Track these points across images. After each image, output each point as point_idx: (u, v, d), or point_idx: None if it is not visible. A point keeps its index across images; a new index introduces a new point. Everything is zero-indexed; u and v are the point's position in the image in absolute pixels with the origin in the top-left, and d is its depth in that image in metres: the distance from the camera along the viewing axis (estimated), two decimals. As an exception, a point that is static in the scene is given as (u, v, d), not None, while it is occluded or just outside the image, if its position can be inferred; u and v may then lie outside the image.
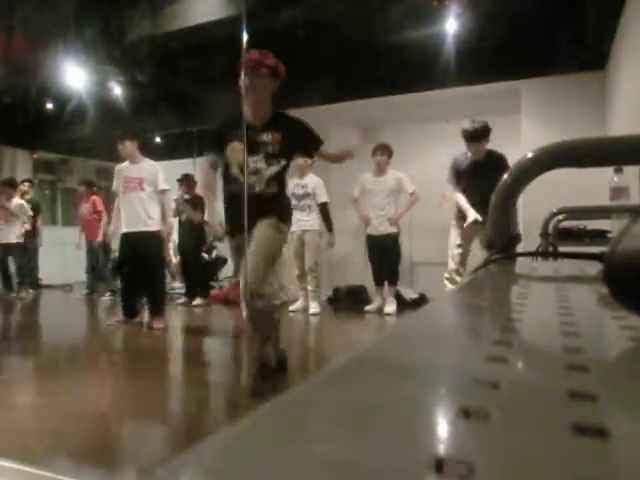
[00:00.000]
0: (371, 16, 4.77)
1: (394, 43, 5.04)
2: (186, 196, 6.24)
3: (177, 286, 7.02)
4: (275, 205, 2.64)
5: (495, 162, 3.68)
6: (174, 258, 6.86)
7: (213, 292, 6.47)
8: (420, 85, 5.40)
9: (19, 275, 6.94)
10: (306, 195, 5.31)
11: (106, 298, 6.87)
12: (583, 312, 0.40)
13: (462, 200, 3.98)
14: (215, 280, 6.93)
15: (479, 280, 0.64)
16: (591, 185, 3.11)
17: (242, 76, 2.59)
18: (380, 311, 5.27)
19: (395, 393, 0.19)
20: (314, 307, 5.32)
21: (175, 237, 6.26)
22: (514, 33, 4.74)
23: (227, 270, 6.55)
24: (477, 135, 3.79)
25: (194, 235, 6.30)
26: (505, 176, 0.81)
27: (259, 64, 2.57)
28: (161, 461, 0.15)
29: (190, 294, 6.28)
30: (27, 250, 7.09)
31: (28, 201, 7.04)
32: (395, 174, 5.24)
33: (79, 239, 7.26)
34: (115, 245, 5.15)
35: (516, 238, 0.83)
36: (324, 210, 5.36)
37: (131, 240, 4.42)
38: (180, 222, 6.22)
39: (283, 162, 2.63)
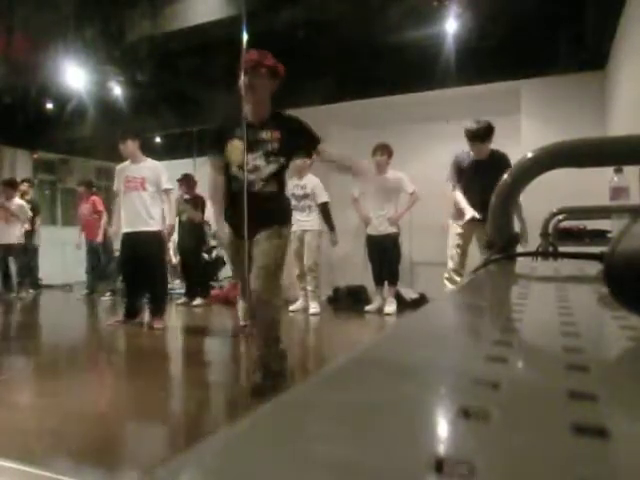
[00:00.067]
0: (371, 16, 4.77)
1: (394, 43, 5.05)
2: (186, 196, 6.24)
3: (177, 286, 7.03)
4: (275, 205, 2.65)
5: (497, 161, 3.67)
6: (174, 258, 6.86)
7: (213, 292, 6.47)
8: (420, 85, 5.41)
9: (19, 275, 6.94)
10: (305, 196, 5.31)
11: (106, 298, 6.88)
12: (583, 312, 0.40)
13: (460, 198, 3.98)
14: (215, 280, 6.93)
15: (479, 280, 0.64)
16: (591, 185, 3.11)
17: (241, 76, 2.59)
18: (380, 311, 5.27)
19: (395, 393, 0.19)
20: (314, 307, 5.32)
21: (175, 237, 6.26)
22: (514, 33, 4.74)
23: (227, 270, 6.55)
24: (480, 135, 3.78)
25: (194, 235, 6.30)
26: (505, 176, 0.81)
27: (258, 64, 2.58)
28: (161, 461, 0.15)
29: (190, 294, 6.28)
30: (27, 250, 7.09)
31: (28, 201, 7.04)
32: (395, 174, 5.24)
33: (79, 239, 7.26)
34: (117, 245, 5.15)
35: (516, 238, 0.83)
36: (325, 210, 5.37)
37: (132, 240, 4.42)
38: (180, 222, 6.22)
39: (282, 160, 2.64)
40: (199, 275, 6.36)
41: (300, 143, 2.71)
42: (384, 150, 5.18)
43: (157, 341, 4.31)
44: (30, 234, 7.13)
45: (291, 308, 5.38)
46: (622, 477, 0.13)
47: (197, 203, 6.21)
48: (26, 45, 5.27)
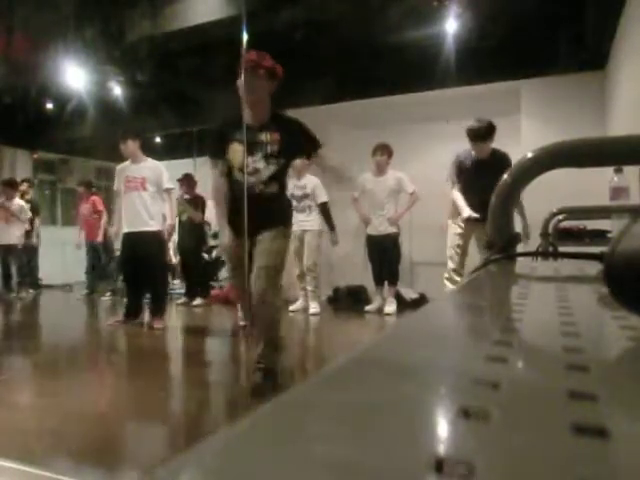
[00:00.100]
0: (371, 16, 4.77)
1: (394, 43, 5.05)
2: (186, 196, 6.24)
3: (177, 286, 7.03)
4: (276, 206, 2.65)
5: (498, 161, 3.67)
6: (174, 258, 6.86)
7: (213, 292, 6.47)
8: (420, 85, 5.41)
9: (19, 275, 6.94)
10: (305, 196, 5.31)
11: (106, 298, 6.88)
12: (583, 312, 0.40)
13: (457, 196, 3.99)
14: (215, 280, 6.93)
15: (479, 280, 0.64)
16: (591, 185, 3.11)
17: (240, 77, 2.59)
18: (380, 311, 5.27)
19: (395, 393, 0.19)
20: (314, 307, 5.33)
21: (175, 237, 6.26)
22: (514, 33, 4.74)
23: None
24: (482, 134, 3.78)
25: (194, 235, 6.30)
26: (505, 176, 0.81)
27: (257, 65, 2.57)
28: (161, 461, 0.15)
29: (190, 294, 6.28)
30: (27, 250, 7.09)
31: (27, 201, 7.04)
32: (395, 174, 5.24)
33: (79, 238, 7.26)
34: (117, 245, 5.15)
35: (516, 238, 0.83)
36: (325, 210, 5.37)
37: (132, 240, 4.42)
38: (180, 222, 6.22)
39: (282, 162, 2.64)
40: (199, 275, 6.36)
41: (300, 145, 2.71)
42: (384, 150, 5.18)
43: (157, 341, 4.31)
44: (30, 234, 7.13)
45: (291, 308, 5.38)
46: (622, 477, 0.13)
47: (197, 203, 6.21)
48: (26, 45, 5.27)
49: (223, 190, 2.70)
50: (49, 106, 7.20)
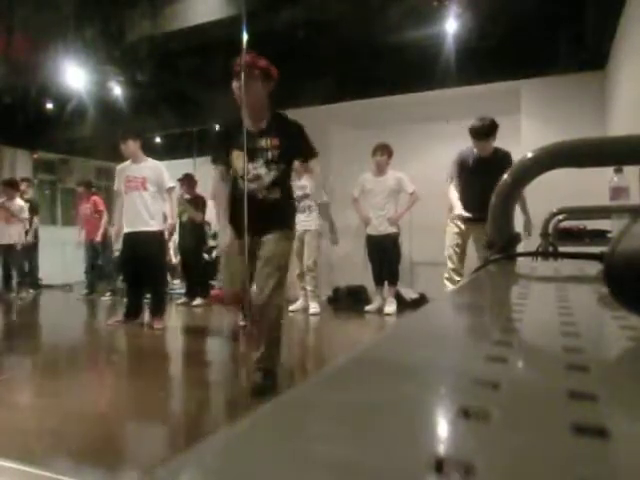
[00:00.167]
0: (371, 16, 4.77)
1: (394, 43, 5.05)
2: (186, 196, 6.24)
3: (177, 286, 7.03)
4: (279, 211, 2.65)
5: (500, 160, 3.68)
6: (174, 258, 6.85)
7: (213, 292, 6.46)
8: (420, 85, 5.41)
9: (19, 275, 6.94)
10: (305, 196, 5.31)
11: (106, 298, 6.88)
12: (583, 312, 0.40)
13: (453, 194, 4.00)
14: (215, 280, 6.93)
15: (479, 280, 0.64)
16: (591, 185, 3.12)
17: (235, 80, 2.58)
18: (380, 311, 5.27)
19: (395, 393, 0.19)
20: (314, 307, 5.33)
21: (176, 237, 6.26)
22: (514, 33, 4.74)
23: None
24: (484, 132, 3.78)
25: (195, 235, 6.30)
26: (505, 176, 0.81)
27: (251, 67, 2.56)
28: (161, 461, 0.15)
29: (190, 294, 6.29)
30: (27, 250, 7.09)
31: (26, 200, 7.04)
32: (395, 174, 5.25)
33: (79, 238, 7.26)
34: (118, 245, 5.15)
35: (516, 238, 0.83)
36: (324, 209, 5.37)
37: (133, 240, 4.42)
38: (181, 222, 6.22)
39: (283, 166, 2.63)
40: (199, 275, 6.36)
41: (298, 148, 2.69)
42: (384, 150, 5.18)
43: (157, 341, 4.31)
44: (26, 232, 7.12)
45: (291, 308, 5.38)
46: (622, 477, 0.13)
47: (198, 203, 6.21)
48: (26, 45, 5.27)
49: (224, 193, 2.70)
50: (49, 106, 7.20)
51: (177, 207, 5.22)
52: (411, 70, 5.28)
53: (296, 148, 2.66)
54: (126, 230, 4.46)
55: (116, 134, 4.68)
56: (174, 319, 5.42)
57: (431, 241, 5.17)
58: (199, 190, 6.26)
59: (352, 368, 0.23)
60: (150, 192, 4.43)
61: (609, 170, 2.33)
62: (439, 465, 0.13)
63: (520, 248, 0.93)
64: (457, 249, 4.03)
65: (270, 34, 4.37)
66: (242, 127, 2.57)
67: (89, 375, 3.36)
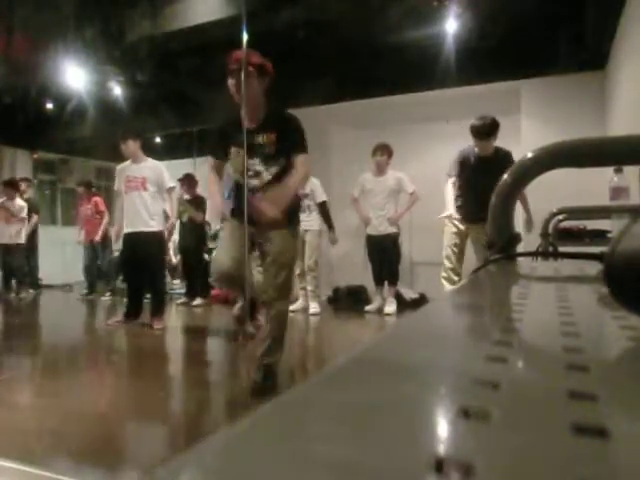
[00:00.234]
0: (371, 16, 4.77)
1: (394, 43, 5.05)
2: (187, 196, 6.24)
3: (177, 286, 7.03)
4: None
5: (501, 159, 3.68)
6: (174, 258, 6.85)
7: (213, 292, 6.46)
8: (420, 85, 5.41)
9: (19, 275, 6.94)
10: (305, 195, 5.31)
11: (106, 298, 6.88)
12: (583, 312, 0.40)
13: (448, 194, 4.01)
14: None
15: (479, 280, 0.64)
16: (591, 185, 3.12)
17: (230, 78, 2.57)
18: (380, 311, 5.27)
19: (395, 393, 0.19)
20: (314, 307, 5.33)
21: (176, 237, 6.26)
22: (514, 33, 4.74)
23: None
24: (486, 131, 3.78)
25: (195, 235, 6.30)
26: (505, 176, 0.81)
27: (246, 63, 2.55)
28: (161, 461, 0.15)
29: (190, 294, 6.29)
30: (27, 250, 7.09)
31: (26, 200, 7.04)
32: (395, 174, 5.25)
33: (79, 237, 7.26)
34: (119, 245, 5.15)
35: (516, 238, 0.83)
36: (323, 209, 5.38)
37: (133, 240, 4.42)
38: (181, 222, 6.22)
39: (283, 162, 2.61)
40: (199, 275, 6.36)
41: (294, 141, 2.63)
42: (384, 150, 5.18)
43: (157, 341, 4.31)
44: (30, 234, 7.13)
45: (291, 308, 5.36)
46: (622, 477, 0.13)
47: (198, 203, 6.21)
48: (26, 45, 5.27)
49: (217, 184, 2.70)
50: (49, 106, 7.20)
51: (177, 207, 5.23)
52: (411, 70, 5.28)
53: (292, 141, 2.60)
54: (126, 230, 4.47)
55: (116, 134, 4.68)
56: (174, 319, 5.42)
57: (431, 241, 5.16)
58: (199, 190, 6.26)
59: (352, 368, 0.23)
60: (150, 192, 4.43)
61: (609, 170, 2.33)
62: (439, 465, 0.13)
63: (520, 247, 0.93)
64: (455, 249, 4.03)
65: (270, 34, 4.37)
66: (239, 124, 2.56)
67: (89, 375, 3.36)
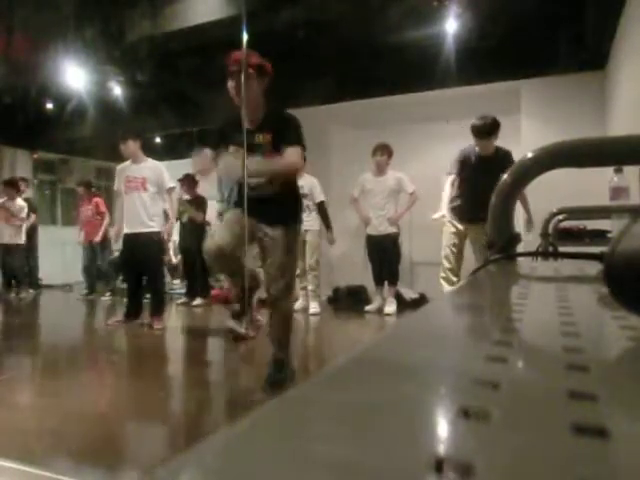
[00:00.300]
0: (371, 16, 4.77)
1: (394, 43, 5.05)
2: (186, 196, 6.24)
3: (177, 286, 7.02)
4: (282, 206, 2.63)
5: (501, 159, 3.68)
6: (174, 258, 6.84)
7: (213, 292, 6.47)
8: (420, 85, 5.40)
9: (19, 275, 6.94)
10: (304, 196, 5.30)
11: (106, 298, 6.88)
12: (583, 312, 0.40)
13: (445, 193, 4.02)
14: (215, 280, 6.92)
15: (479, 280, 0.64)
16: (591, 185, 3.11)
17: (229, 80, 2.57)
18: (380, 311, 5.27)
19: (395, 393, 0.19)
20: (314, 307, 5.33)
21: (176, 237, 6.26)
22: (514, 33, 4.74)
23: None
24: (486, 131, 3.78)
25: (195, 235, 6.30)
26: (505, 176, 0.81)
27: (245, 64, 2.55)
28: (161, 461, 0.15)
29: (190, 294, 6.29)
30: (27, 250, 7.09)
31: (24, 200, 7.04)
32: (395, 174, 5.25)
33: (78, 237, 7.26)
34: (119, 245, 5.15)
35: (516, 238, 0.83)
36: (322, 209, 5.38)
37: (132, 241, 4.42)
38: (181, 223, 6.22)
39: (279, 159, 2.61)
40: (199, 275, 6.36)
41: (288, 139, 2.57)
42: (384, 150, 5.18)
43: (157, 341, 4.31)
44: (30, 234, 7.12)
45: (291, 308, 5.38)
46: (622, 477, 0.13)
47: (198, 203, 6.21)
48: (26, 45, 5.27)
49: (210, 163, 2.70)
50: (49, 106, 7.20)
51: (177, 207, 5.23)
52: (411, 70, 5.28)
53: (285, 138, 2.56)
54: (126, 231, 4.47)
55: (116, 134, 4.67)
56: (174, 319, 5.42)
57: (431, 241, 5.16)
58: (200, 190, 6.26)
59: (352, 368, 0.23)
60: (150, 193, 4.43)
61: (609, 170, 2.33)
62: (439, 465, 0.13)
63: (520, 247, 0.93)
64: (454, 249, 4.03)
65: (270, 34, 4.37)
66: (239, 124, 2.56)
67: (89, 375, 3.36)
